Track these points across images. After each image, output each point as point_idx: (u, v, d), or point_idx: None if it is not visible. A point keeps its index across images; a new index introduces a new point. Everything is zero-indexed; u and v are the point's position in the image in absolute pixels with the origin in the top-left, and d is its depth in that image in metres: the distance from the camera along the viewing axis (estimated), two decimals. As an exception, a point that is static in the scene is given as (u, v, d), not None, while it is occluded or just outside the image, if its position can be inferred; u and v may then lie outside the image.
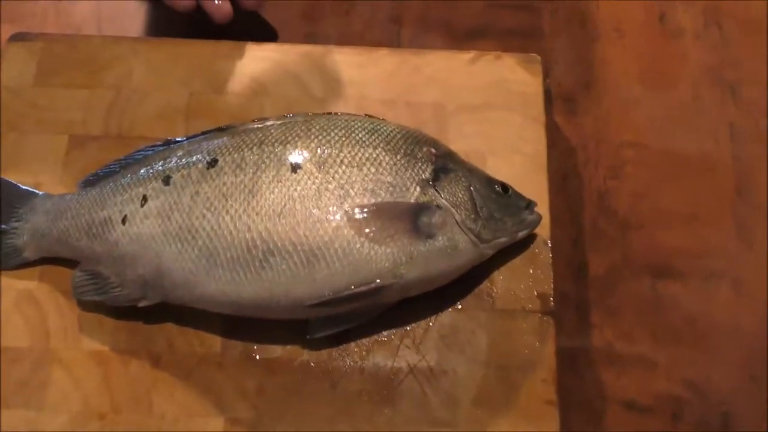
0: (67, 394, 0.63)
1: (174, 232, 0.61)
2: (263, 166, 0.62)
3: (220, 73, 0.75)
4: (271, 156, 0.62)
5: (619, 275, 0.72)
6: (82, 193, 0.66)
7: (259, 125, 0.65)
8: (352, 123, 0.65)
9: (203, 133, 0.67)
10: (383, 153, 0.63)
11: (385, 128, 0.65)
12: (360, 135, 0.63)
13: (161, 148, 0.67)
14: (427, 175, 0.63)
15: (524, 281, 0.67)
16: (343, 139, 0.63)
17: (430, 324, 0.66)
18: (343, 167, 0.62)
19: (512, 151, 0.72)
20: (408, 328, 0.65)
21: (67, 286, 0.65)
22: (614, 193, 0.76)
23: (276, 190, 0.61)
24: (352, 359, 0.64)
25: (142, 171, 0.65)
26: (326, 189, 0.61)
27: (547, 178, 0.71)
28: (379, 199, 0.61)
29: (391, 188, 0.61)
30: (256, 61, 0.75)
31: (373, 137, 0.63)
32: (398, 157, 0.63)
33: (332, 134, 0.63)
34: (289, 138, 0.63)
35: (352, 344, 0.65)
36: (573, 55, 0.82)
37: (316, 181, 0.61)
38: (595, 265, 0.73)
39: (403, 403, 0.63)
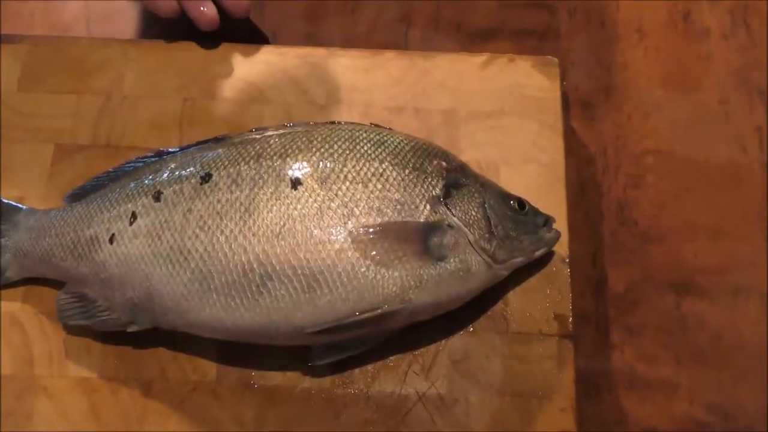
0: (52, 424, 0.61)
1: (165, 253, 0.59)
2: (261, 181, 0.59)
3: (215, 78, 0.72)
4: (270, 171, 0.59)
5: (640, 292, 0.70)
6: (67, 208, 0.64)
7: (257, 136, 0.63)
8: (357, 134, 0.62)
9: (197, 143, 0.65)
10: (390, 167, 0.60)
11: (392, 140, 0.62)
12: (365, 147, 0.61)
13: (153, 159, 0.65)
14: (437, 191, 0.60)
15: (541, 302, 0.65)
16: (347, 152, 0.60)
17: (440, 348, 0.63)
18: (347, 183, 0.59)
19: (528, 161, 0.69)
20: (416, 353, 0.63)
21: (53, 308, 0.63)
22: (635, 204, 0.73)
23: (274, 208, 0.58)
24: (356, 387, 0.62)
25: (131, 185, 0.62)
26: (329, 207, 0.58)
27: (564, 189, 0.69)
28: (386, 219, 0.58)
29: (398, 206, 0.59)
30: (254, 64, 0.73)
31: (380, 150, 0.61)
32: (406, 171, 0.60)
33: (335, 147, 0.61)
34: (289, 151, 0.60)
35: (357, 371, 0.63)
36: (591, 57, 0.79)
37: (318, 198, 0.58)
38: (614, 280, 0.71)
39: (412, 435, 0.61)
